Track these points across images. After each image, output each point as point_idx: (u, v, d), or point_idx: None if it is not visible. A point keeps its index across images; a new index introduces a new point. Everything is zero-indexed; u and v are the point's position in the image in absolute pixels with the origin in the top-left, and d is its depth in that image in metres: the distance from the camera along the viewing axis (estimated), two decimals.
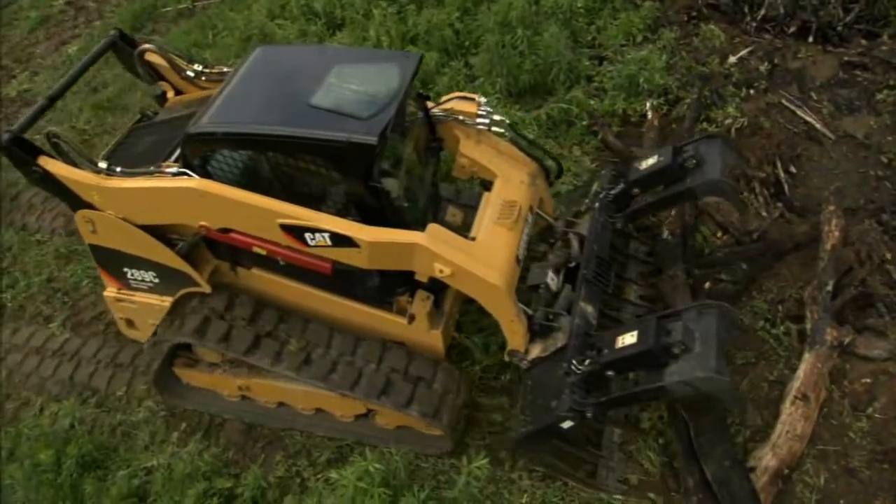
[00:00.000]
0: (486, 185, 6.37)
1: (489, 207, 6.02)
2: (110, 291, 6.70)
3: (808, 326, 6.23)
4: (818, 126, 8.21)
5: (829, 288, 6.36)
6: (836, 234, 6.72)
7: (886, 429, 5.68)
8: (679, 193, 6.26)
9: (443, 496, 5.87)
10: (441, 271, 5.43)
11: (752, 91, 8.74)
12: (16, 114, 11.51)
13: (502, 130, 6.43)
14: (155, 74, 6.99)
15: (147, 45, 6.84)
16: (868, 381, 6.01)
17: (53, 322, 8.40)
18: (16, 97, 11.89)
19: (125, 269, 6.42)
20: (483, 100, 6.45)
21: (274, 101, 5.66)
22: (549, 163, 6.66)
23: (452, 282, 5.58)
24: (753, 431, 5.88)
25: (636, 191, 6.50)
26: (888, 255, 6.62)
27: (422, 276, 5.76)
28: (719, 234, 7.37)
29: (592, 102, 8.83)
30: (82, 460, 6.76)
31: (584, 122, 8.71)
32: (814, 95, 8.63)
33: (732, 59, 9.18)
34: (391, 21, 10.05)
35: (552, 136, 8.71)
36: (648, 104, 8.62)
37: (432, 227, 5.51)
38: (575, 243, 6.38)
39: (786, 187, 7.69)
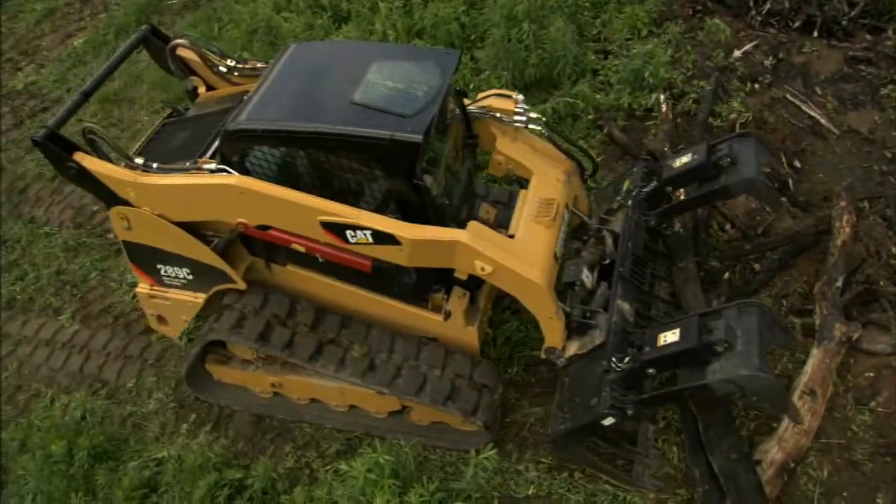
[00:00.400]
0: (522, 183, 6.39)
1: (527, 205, 6.03)
2: (143, 288, 6.65)
3: (817, 321, 6.26)
4: (823, 121, 8.24)
5: (839, 284, 6.37)
6: (847, 229, 6.73)
7: (889, 422, 5.75)
8: (713, 192, 6.21)
9: (451, 487, 5.94)
10: (482, 269, 5.45)
11: (756, 86, 8.78)
12: (22, 106, 11.58)
13: (539, 128, 6.44)
14: (186, 69, 6.97)
15: (179, 41, 6.82)
16: (871, 375, 6.07)
17: (63, 314, 8.48)
18: (22, 90, 11.92)
19: (158, 266, 6.38)
20: (520, 97, 6.46)
21: (315, 98, 5.64)
22: (585, 160, 6.67)
23: (492, 279, 5.58)
24: (758, 425, 5.95)
25: (670, 189, 6.49)
26: (894, 250, 6.66)
27: (461, 274, 5.79)
28: (728, 228, 7.41)
29: (598, 97, 8.87)
30: (94, 451, 6.85)
31: (590, 117, 8.76)
32: (818, 90, 8.65)
33: (737, 53, 9.20)
34: (397, 14, 10.07)
35: (558, 130, 8.72)
36: (662, 97, 8.64)
37: (473, 225, 5.53)
38: (609, 241, 6.38)
39: (790, 182, 7.73)
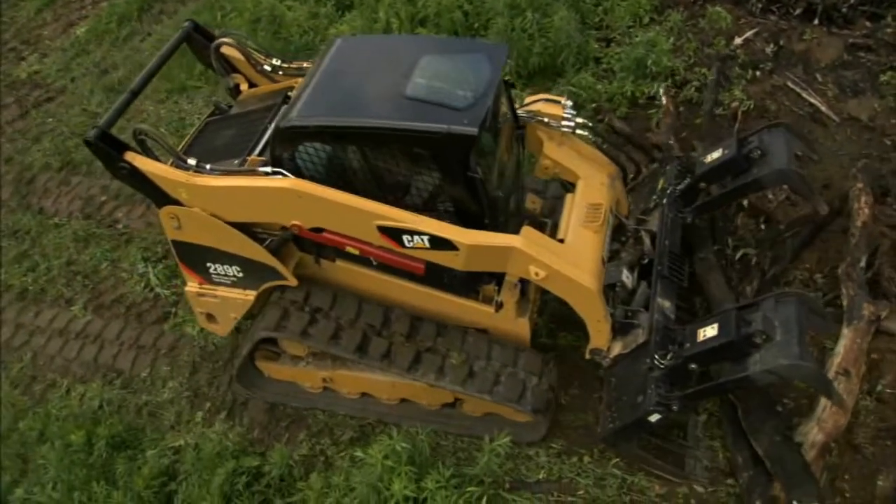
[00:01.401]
0: (566, 186, 6.56)
1: (575, 209, 6.18)
2: (192, 286, 6.68)
3: (845, 302, 6.32)
4: (823, 108, 8.36)
5: (863, 264, 6.47)
6: (866, 210, 6.82)
7: (891, 406, 5.92)
8: (746, 185, 6.31)
9: (464, 472, 6.10)
10: (536, 274, 5.59)
11: (757, 73, 8.88)
12: (27, 96, 11.61)
13: (586, 133, 6.62)
14: (229, 67, 7.01)
15: (225, 39, 6.85)
16: (874, 357, 6.21)
17: (75, 305, 8.60)
18: (26, 79, 11.96)
19: (208, 265, 6.41)
20: (569, 103, 6.61)
21: (366, 93, 5.67)
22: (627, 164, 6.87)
23: (545, 284, 5.71)
24: (793, 408, 6.07)
25: (703, 185, 6.60)
26: None
27: (513, 277, 5.91)
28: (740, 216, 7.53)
29: (600, 87, 8.95)
30: (112, 441, 7.01)
31: (594, 105, 8.85)
32: (819, 77, 8.77)
33: (738, 40, 9.30)
34: (400, 3, 10.12)
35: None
36: (661, 90, 8.74)
37: (527, 231, 5.66)
38: (647, 240, 6.52)
39: None
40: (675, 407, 5.43)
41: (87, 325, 8.38)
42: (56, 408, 7.60)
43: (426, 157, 5.43)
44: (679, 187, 6.71)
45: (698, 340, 5.35)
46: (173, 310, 8.22)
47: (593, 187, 6.41)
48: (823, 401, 5.69)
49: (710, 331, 5.31)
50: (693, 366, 5.40)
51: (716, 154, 6.48)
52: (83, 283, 8.82)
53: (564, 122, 6.49)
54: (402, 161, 5.56)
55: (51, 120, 10.94)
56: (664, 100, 8.61)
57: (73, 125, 10.62)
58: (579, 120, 6.52)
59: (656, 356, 5.57)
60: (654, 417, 5.49)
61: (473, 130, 5.17)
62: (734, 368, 5.18)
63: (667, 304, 5.98)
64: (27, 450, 7.42)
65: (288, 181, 5.63)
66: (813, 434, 5.63)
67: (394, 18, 10.07)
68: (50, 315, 8.60)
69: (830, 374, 5.84)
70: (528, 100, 6.75)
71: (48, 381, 8.02)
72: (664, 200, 6.66)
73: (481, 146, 5.48)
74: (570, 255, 5.75)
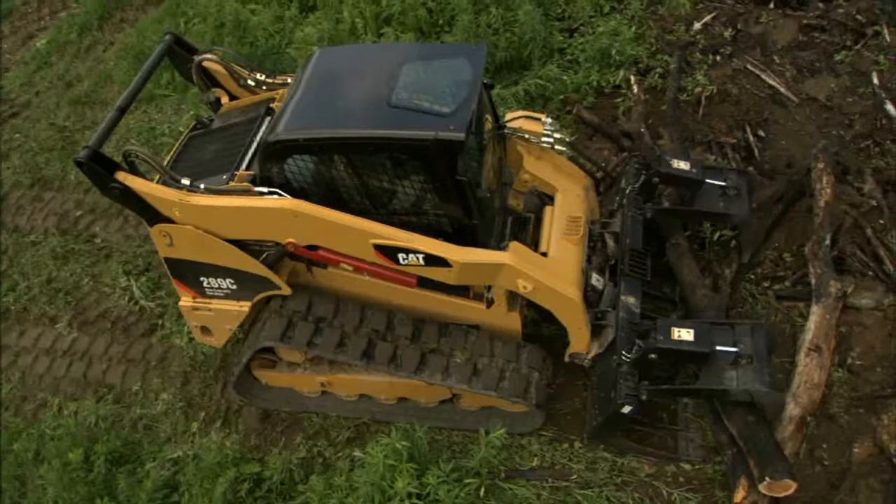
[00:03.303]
0: (543, 198, 6.83)
1: (555, 222, 6.44)
2: (185, 301, 6.73)
3: (812, 281, 6.59)
4: (782, 90, 8.63)
5: (828, 242, 6.74)
6: (829, 190, 7.10)
7: (861, 377, 6.23)
8: (713, 215, 6.90)
9: (461, 465, 6.29)
10: (524, 287, 5.84)
11: (718, 57, 9.13)
12: None
13: (564, 149, 6.89)
14: (210, 81, 7.06)
15: (208, 55, 6.88)
16: (843, 330, 6.51)
17: (59, 322, 8.63)
18: None
19: (201, 279, 6.48)
20: (549, 120, 6.85)
21: (352, 103, 5.79)
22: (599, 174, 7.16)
23: (531, 295, 5.97)
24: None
25: (657, 181, 6.86)
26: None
27: (500, 289, 6.13)
28: None
29: (566, 78, 9.13)
30: (111, 456, 7.07)
31: (560, 97, 9.04)
32: (776, 59, 9.04)
33: (697, 25, 9.55)
34: (364, 2, 10.20)
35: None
36: (633, 78, 8.95)
37: (515, 246, 5.90)
38: (611, 242, 6.79)
39: (756, 151, 8.13)
40: (643, 397, 5.81)
41: (74, 342, 8.41)
42: (50, 427, 7.64)
43: (414, 164, 5.59)
44: (636, 185, 6.97)
45: (672, 338, 5.69)
46: (160, 321, 8.28)
47: (571, 200, 6.70)
48: (798, 377, 6.03)
49: (685, 334, 5.70)
50: (652, 356, 5.78)
51: (683, 165, 6.76)
52: (66, 300, 8.83)
53: (544, 139, 6.74)
54: (390, 168, 5.70)
55: (18, 135, 10.86)
56: (634, 88, 8.83)
57: (42, 140, 10.56)
58: (557, 135, 6.78)
59: (623, 351, 5.95)
60: (626, 409, 5.84)
61: (460, 136, 5.34)
62: (711, 379, 5.72)
63: (631, 300, 6.30)
64: (24, 470, 7.47)
65: (286, 201, 5.76)
66: (790, 409, 5.93)
67: (358, 18, 10.15)
68: (35, 334, 8.61)
69: (803, 351, 6.19)
70: (509, 116, 6.95)
71: (39, 401, 8.05)
72: (624, 201, 6.94)
73: (467, 149, 5.63)
74: (554, 268, 6.03)
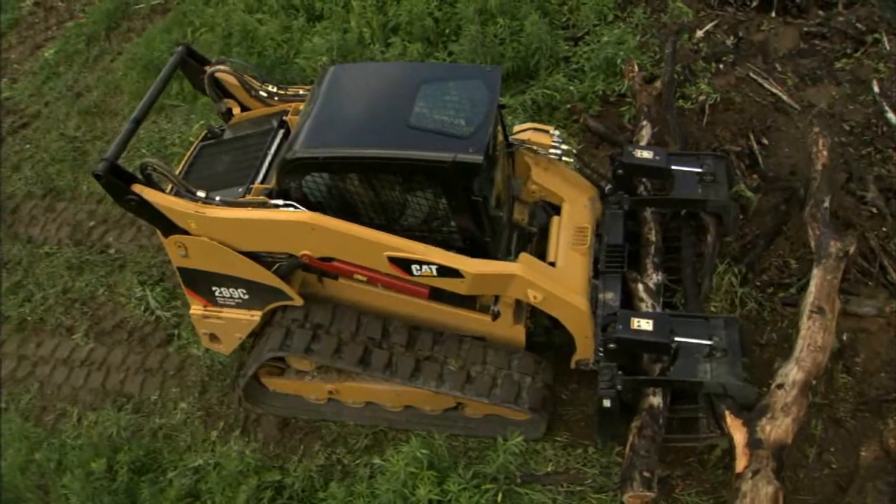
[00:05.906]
0: (547, 209, 7.03)
1: (562, 232, 6.63)
2: (196, 309, 6.90)
3: (812, 243, 6.64)
4: (784, 98, 8.79)
5: (826, 204, 6.82)
6: (825, 153, 7.23)
7: (867, 381, 6.42)
8: (690, 202, 7.06)
9: (479, 471, 6.44)
10: (534, 297, 6.02)
11: (720, 65, 9.28)
12: (0, 123, 11.53)
13: (571, 160, 7.09)
14: (222, 92, 7.19)
15: (220, 66, 7.02)
16: (848, 337, 6.69)
17: (76, 333, 8.73)
18: None
19: (213, 288, 6.64)
20: (556, 132, 7.05)
21: (371, 123, 5.93)
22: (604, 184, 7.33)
23: (541, 305, 6.16)
24: (772, 349, 6.64)
25: (621, 172, 7.08)
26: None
27: (510, 299, 6.30)
28: None
29: (572, 87, 9.27)
30: (133, 466, 7.20)
31: (567, 106, 9.19)
32: (778, 67, 9.20)
33: (699, 33, 9.70)
34: (371, 12, 10.31)
35: (537, 119, 9.15)
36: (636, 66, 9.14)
37: (525, 258, 6.09)
38: (595, 243, 6.96)
39: (760, 159, 8.29)
40: (618, 387, 5.96)
41: (91, 353, 8.52)
42: (70, 437, 7.75)
43: (432, 184, 5.75)
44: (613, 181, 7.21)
45: (631, 328, 5.86)
46: (176, 331, 8.40)
47: (577, 211, 6.91)
48: (801, 341, 5.98)
49: (644, 324, 5.87)
50: (612, 345, 5.95)
51: (647, 154, 6.98)
52: (82, 310, 8.93)
53: (552, 150, 6.92)
54: (407, 187, 5.86)
55: (28, 146, 10.92)
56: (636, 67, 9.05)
57: (53, 150, 10.62)
58: (565, 147, 6.97)
59: (601, 347, 6.15)
60: (606, 402, 6.04)
61: (479, 159, 5.50)
62: (685, 371, 5.88)
63: (609, 295, 6.53)
64: (47, 480, 7.59)
65: (304, 215, 5.91)
66: (793, 374, 5.83)
67: (365, 28, 10.26)
68: (52, 345, 8.71)
69: (806, 313, 6.13)
70: (517, 128, 7.13)
71: (58, 411, 8.15)
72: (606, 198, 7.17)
73: (483, 171, 5.78)
74: (563, 279, 6.23)
